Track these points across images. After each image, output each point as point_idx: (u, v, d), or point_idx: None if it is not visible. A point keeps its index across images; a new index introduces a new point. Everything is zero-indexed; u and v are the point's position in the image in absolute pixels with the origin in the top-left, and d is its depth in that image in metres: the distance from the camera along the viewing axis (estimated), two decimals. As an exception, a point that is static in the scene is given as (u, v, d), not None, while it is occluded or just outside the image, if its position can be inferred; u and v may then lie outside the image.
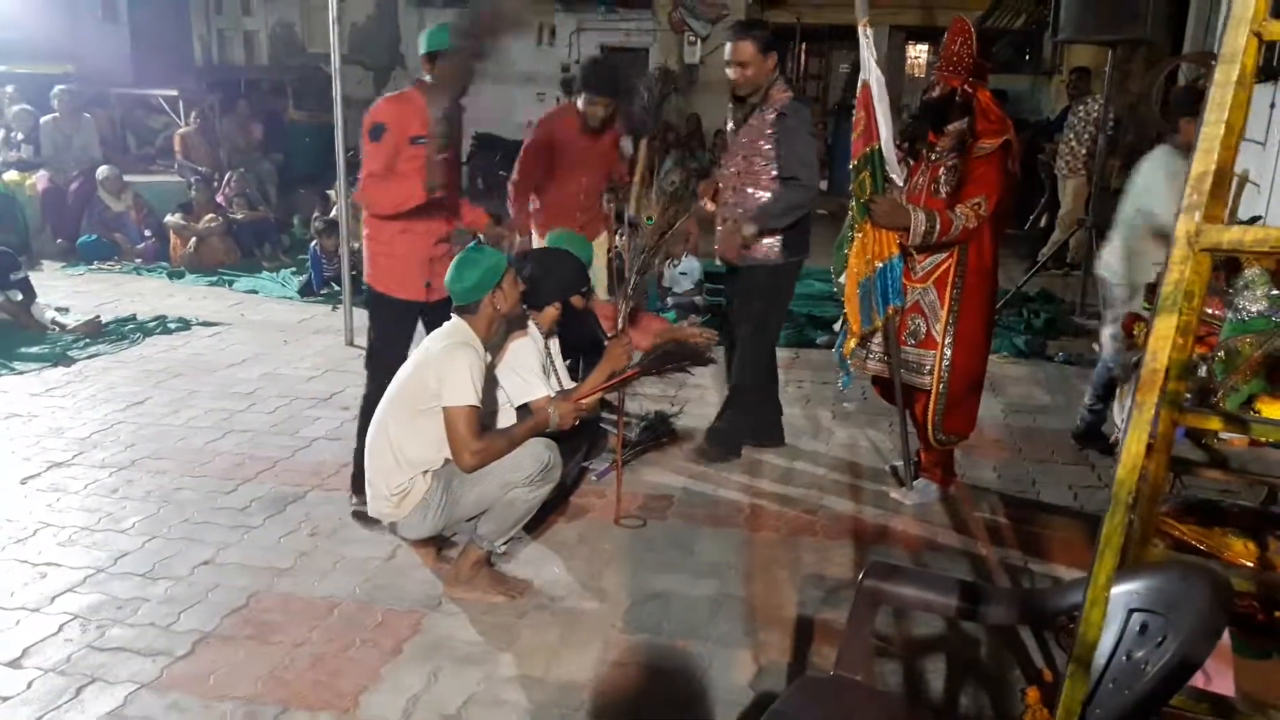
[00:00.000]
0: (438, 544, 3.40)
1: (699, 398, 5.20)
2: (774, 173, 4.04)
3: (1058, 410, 5.19)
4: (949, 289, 3.66)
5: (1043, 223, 10.02)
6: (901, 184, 3.74)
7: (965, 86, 3.52)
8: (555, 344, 3.69)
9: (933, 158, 3.70)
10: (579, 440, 3.73)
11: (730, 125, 4.24)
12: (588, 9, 15.16)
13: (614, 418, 3.92)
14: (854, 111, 3.80)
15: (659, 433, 4.53)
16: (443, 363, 3.07)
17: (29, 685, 2.64)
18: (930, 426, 3.78)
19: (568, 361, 3.85)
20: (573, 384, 3.67)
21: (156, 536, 3.53)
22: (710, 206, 4.27)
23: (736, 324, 4.33)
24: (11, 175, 9.01)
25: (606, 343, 3.64)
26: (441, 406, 3.02)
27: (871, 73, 3.65)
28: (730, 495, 4.02)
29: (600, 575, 3.34)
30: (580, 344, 3.96)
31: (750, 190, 4.10)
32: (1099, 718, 1.55)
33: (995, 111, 3.51)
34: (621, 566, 3.41)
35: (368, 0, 15.40)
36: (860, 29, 3.69)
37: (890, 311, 3.72)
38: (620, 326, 3.65)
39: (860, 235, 3.71)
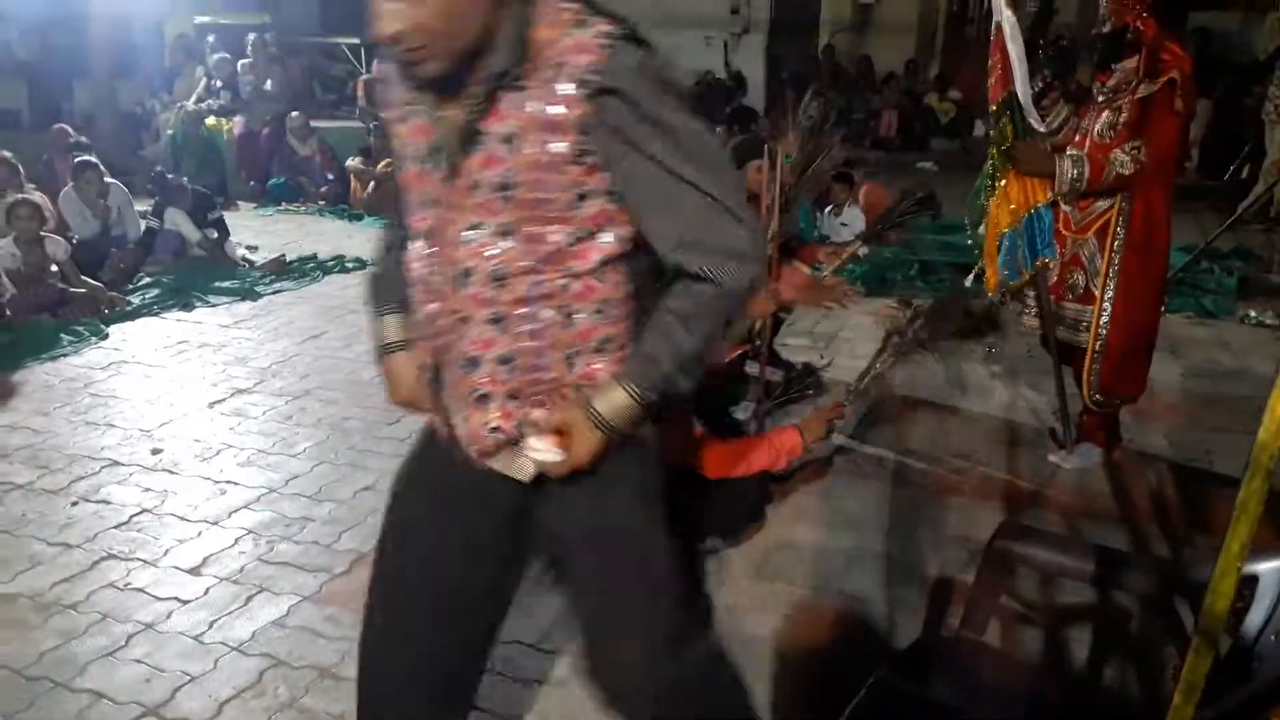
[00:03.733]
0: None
1: (849, 350, 5.10)
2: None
3: (1243, 376, 4.81)
4: (1109, 240, 3.43)
5: (1244, 173, 9.21)
6: (1043, 130, 3.51)
7: (1138, 22, 3.25)
8: None
9: (1099, 100, 3.46)
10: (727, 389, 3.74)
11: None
12: (759, -52, 14.81)
13: (757, 366, 3.89)
14: (989, 57, 3.55)
15: (805, 384, 4.48)
16: None
17: (206, 591, 2.90)
18: (1087, 386, 3.58)
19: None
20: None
21: (324, 461, 3.78)
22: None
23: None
24: (212, 120, 9.68)
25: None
26: None
27: (1004, 15, 3.43)
28: (875, 450, 3.94)
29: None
30: None
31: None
32: (1237, 695, 1.46)
33: (1171, 48, 3.23)
34: (758, 514, 3.41)
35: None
36: None
37: (1040, 264, 3.52)
38: (767, 272, 3.62)
39: (1003, 184, 3.51)
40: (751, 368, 4.13)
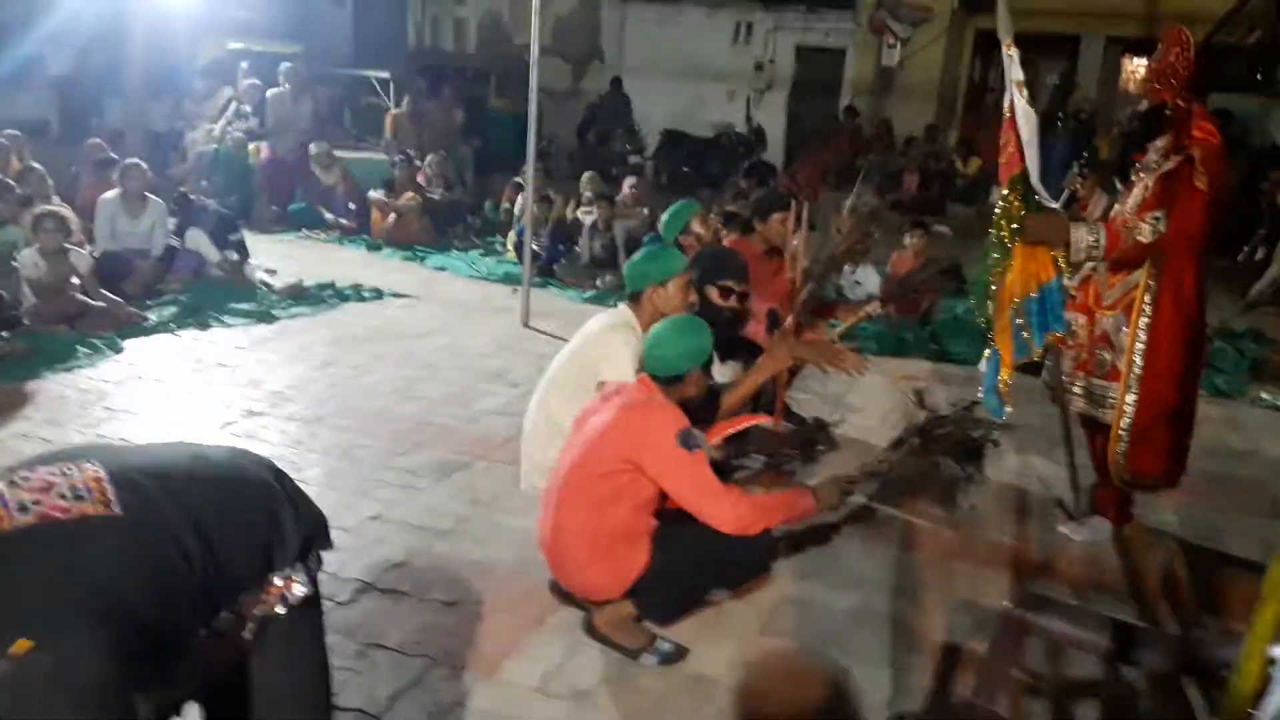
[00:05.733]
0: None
1: (864, 408, 5.10)
2: None
3: (1253, 457, 4.80)
4: (1135, 316, 3.43)
5: (1259, 255, 9.28)
6: (1056, 207, 3.52)
7: (1178, 100, 3.30)
8: None
9: (1132, 179, 3.49)
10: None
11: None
12: (787, 8, 15.09)
13: (767, 420, 3.89)
14: (1001, 136, 3.58)
15: (815, 440, 4.47)
16: (602, 341, 3.19)
17: (211, 610, 2.88)
18: (1114, 466, 3.54)
19: (726, 363, 3.87)
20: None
21: (333, 489, 3.77)
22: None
23: None
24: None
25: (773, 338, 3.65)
26: (597, 383, 3.12)
27: (1015, 96, 3.47)
28: (883, 509, 3.93)
29: (743, 574, 3.34)
30: (734, 346, 3.96)
31: None
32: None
33: (1202, 126, 3.25)
34: (765, 568, 3.39)
35: (572, -7, 15.80)
36: (1004, 50, 3.52)
37: (1050, 339, 3.52)
38: (785, 326, 3.65)
39: (1010, 262, 3.49)
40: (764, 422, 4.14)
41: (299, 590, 1.61)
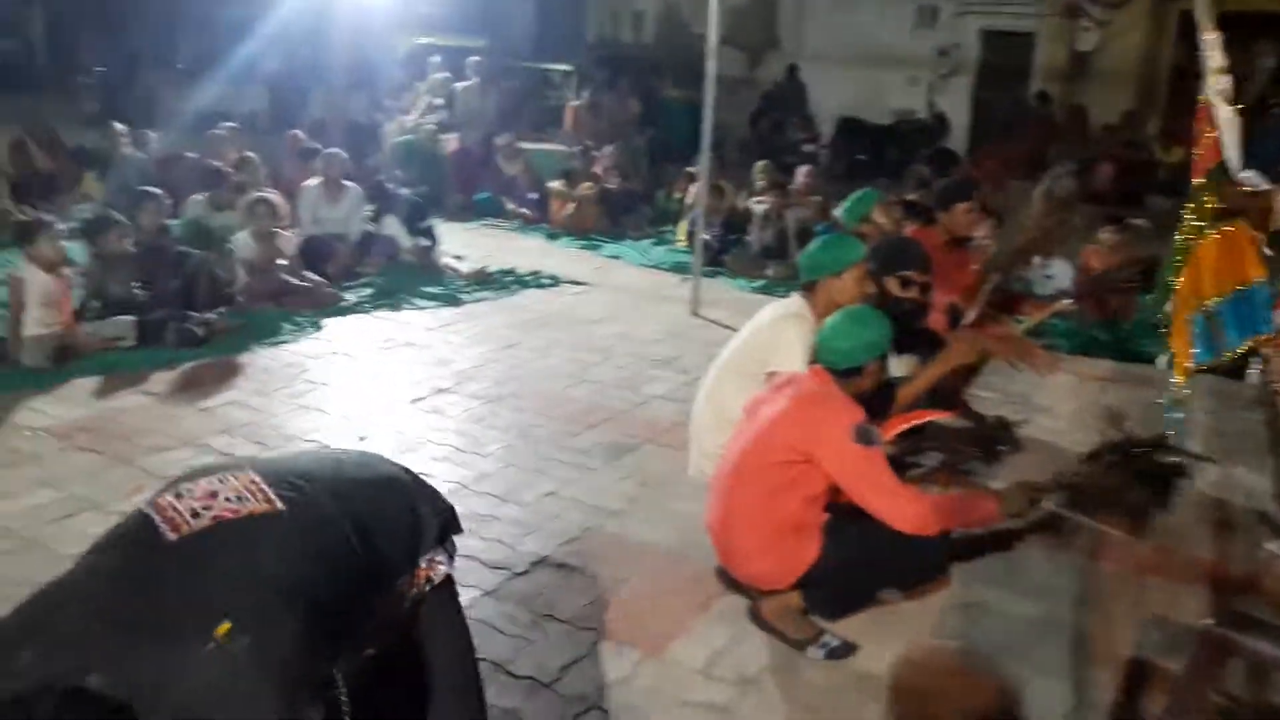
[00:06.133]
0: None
1: (1051, 408, 4.86)
2: None
3: None
4: None
5: None
6: (1267, 187, 3.27)
7: None
8: None
9: None
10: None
11: None
12: (975, -10, 14.50)
13: (945, 416, 3.76)
14: (1198, 126, 3.34)
15: (996, 439, 4.30)
16: (774, 330, 3.18)
17: (399, 574, 3.06)
18: None
19: (903, 356, 3.78)
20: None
21: (511, 465, 3.93)
22: None
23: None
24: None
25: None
26: (766, 372, 3.12)
27: (1214, 87, 3.22)
28: (1073, 520, 3.74)
29: (915, 573, 3.27)
30: (912, 338, 3.86)
31: None
32: None
33: None
34: (939, 568, 3.30)
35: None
36: (1203, 36, 3.27)
37: (1256, 341, 3.26)
38: (967, 320, 3.53)
39: (1199, 257, 3.25)
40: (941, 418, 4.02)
41: (442, 570, 1.77)
